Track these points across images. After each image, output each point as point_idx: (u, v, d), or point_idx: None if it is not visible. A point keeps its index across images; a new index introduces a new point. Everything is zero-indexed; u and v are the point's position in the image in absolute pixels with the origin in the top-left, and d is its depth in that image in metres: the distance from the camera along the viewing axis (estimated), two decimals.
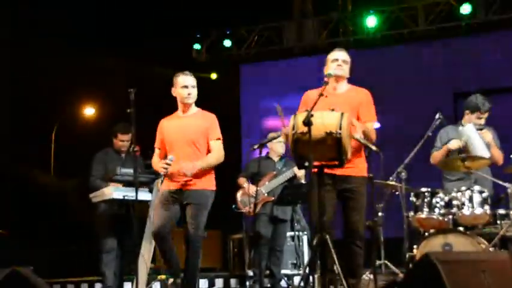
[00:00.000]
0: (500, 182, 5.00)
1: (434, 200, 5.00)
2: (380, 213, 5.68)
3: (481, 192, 4.84)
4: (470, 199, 4.82)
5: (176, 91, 4.70)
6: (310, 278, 3.65)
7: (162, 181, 4.61)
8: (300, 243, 6.75)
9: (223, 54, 11.07)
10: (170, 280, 4.86)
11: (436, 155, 5.34)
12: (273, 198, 6.09)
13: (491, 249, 4.57)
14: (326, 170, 3.79)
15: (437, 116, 5.60)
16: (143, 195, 5.61)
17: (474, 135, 5.07)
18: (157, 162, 4.73)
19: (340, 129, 3.56)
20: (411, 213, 5.11)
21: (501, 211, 4.89)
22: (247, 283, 6.65)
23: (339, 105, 3.93)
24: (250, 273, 6.54)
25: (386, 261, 5.77)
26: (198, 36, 11.10)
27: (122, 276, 5.90)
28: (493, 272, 2.99)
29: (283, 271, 6.50)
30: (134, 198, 4.57)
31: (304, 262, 6.63)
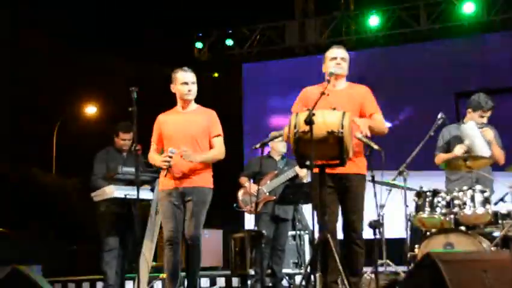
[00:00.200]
0: (503, 182, 4.99)
1: (435, 200, 4.98)
2: (381, 213, 5.67)
3: (482, 191, 4.83)
4: (472, 199, 4.81)
5: (176, 87, 4.68)
6: (312, 277, 3.64)
7: (166, 174, 4.54)
8: (302, 243, 6.75)
9: (225, 53, 11.08)
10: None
11: (442, 157, 5.33)
12: (274, 197, 6.09)
13: (492, 248, 4.56)
14: (327, 170, 3.78)
15: (439, 115, 5.59)
16: (145, 194, 5.62)
17: (475, 133, 5.07)
18: (155, 158, 4.69)
19: (342, 128, 3.55)
20: (413, 213, 5.10)
21: (503, 211, 4.88)
22: (249, 282, 6.64)
23: (340, 102, 3.93)
24: (252, 272, 6.54)
25: (388, 261, 5.76)
26: (200, 35, 11.11)
27: (124, 275, 5.90)
28: (494, 272, 2.99)
29: (284, 270, 6.50)
30: (135, 197, 4.57)
31: (305, 261, 6.63)
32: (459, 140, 5.25)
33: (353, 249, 4.09)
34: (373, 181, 4.25)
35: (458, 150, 5.16)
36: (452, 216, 4.92)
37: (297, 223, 6.64)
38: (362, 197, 4.16)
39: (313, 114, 3.53)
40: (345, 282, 3.60)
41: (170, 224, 4.56)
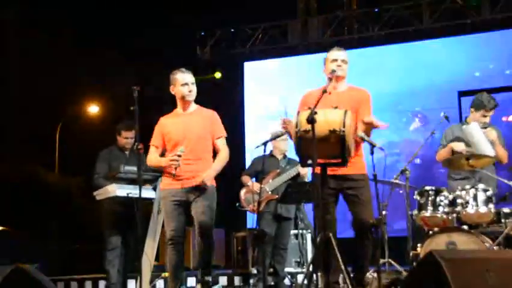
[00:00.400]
0: (505, 181, 4.98)
1: (438, 199, 4.98)
2: (384, 212, 5.66)
3: (485, 190, 4.82)
4: (475, 197, 4.80)
5: (176, 89, 4.68)
6: (314, 276, 3.64)
7: (174, 174, 4.51)
8: (304, 241, 6.74)
9: (228, 52, 11.07)
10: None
11: (441, 153, 5.34)
12: (276, 196, 6.09)
13: (495, 247, 4.55)
14: (328, 172, 3.78)
15: (441, 114, 5.59)
16: (147, 193, 5.63)
17: (478, 134, 5.06)
18: (160, 159, 4.67)
19: (344, 126, 3.55)
20: (416, 212, 5.10)
21: (505, 210, 4.87)
22: (251, 281, 6.65)
23: (341, 103, 3.92)
24: (254, 271, 6.55)
25: (390, 260, 5.75)
26: (203, 34, 11.11)
27: (126, 274, 5.91)
28: (497, 271, 2.98)
29: (286, 269, 6.49)
30: (137, 195, 4.57)
31: (307, 260, 6.62)
32: (462, 141, 5.24)
33: (364, 244, 4.06)
34: (375, 180, 4.24)
35: (458, 146, 5.14)
36: (454, 215, 4.92)
37: (300, 222, 6.64)
38: (366, 194, 4.14)
39: (316, 113, 3.52)
40: (348, 281, 3.60)
41: (172, 223, 4.56)
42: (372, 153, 3.87)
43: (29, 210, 12.05)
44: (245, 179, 6.31)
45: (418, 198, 5.08)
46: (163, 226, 5.61)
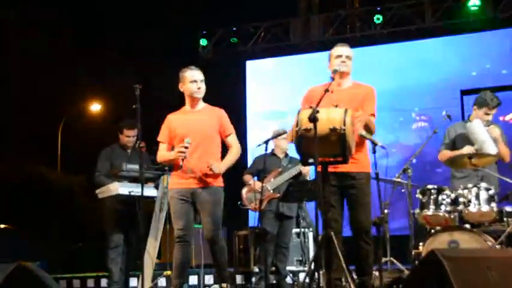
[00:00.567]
0: (507, 180, 4.97)
1: (440, 197, 4.97)
2: (386, 210, 5.66)
3: (487, 189, 4.81)
4: (477, 196, 4.79)
5: (185, 86, 4.67)
6: (316, 274, 3.64)
7: (181, 166, 4.49)
8: (306, 240, 6.75)
9: (230, 50, 11.07)
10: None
11: (445, 154, 5.30)
12: (278, 194, 6.09)
13: (497, 246, 4.54)
14: (330, 169, 3.77)
15: (443, 113, 5.58)
16: (149, 191, 5.63)
17: (481, 131, 5.04)
18: (168, 154, 4.63)
19: (344, 125, 3.54)
20: (418, 210, 5.09)
21: (508, 208, 4.86)
22: (253, 279, 6.65)
23: (343, 100, 3.91)
24: (256, 269, 6.55)
25: (392, 258, 5.75)
26: (204, 32, 11.11)
27: (128, 272, 5.92)
28: (499, 270, 2.98)
29: (288, 267, 6.50)
30: (140, 194, 4.57)
31: (309, 259, 6.62)
32: (465, 138, 5.22)
33: (360, 246, 4.07)
34: (377, 178, 4.24)
35: (467, 150, 5.11)
36: (456, 213, 4.91)
37: (301, 220, 6.64)
38: (367, 194, 4.15)
39: (318, 112, 3.52)
40: (349, 280, 3.60)
41: (180, 222, 4.55)
42: (374, 152, 3.86)
43: (31, 209, 12.07)
44: (247, 177, 6.32)
45: (420, 196, 5.07)
46: (164, 224, 5.63)
